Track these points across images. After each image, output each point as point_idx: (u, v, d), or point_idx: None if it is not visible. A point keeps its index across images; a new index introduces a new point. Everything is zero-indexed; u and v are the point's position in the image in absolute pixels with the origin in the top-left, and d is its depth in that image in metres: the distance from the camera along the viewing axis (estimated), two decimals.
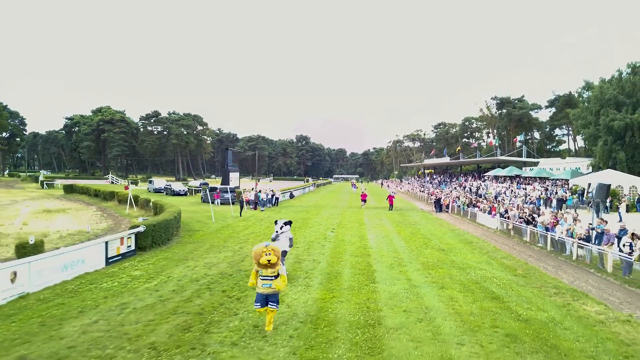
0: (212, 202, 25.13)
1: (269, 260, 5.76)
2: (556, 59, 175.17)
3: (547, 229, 14.26)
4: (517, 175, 35.77)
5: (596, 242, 11.56)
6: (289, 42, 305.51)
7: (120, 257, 10.80)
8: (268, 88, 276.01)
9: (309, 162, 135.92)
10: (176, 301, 7.46)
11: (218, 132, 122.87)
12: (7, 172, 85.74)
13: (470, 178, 45.74)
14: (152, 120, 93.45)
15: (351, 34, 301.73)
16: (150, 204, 21.58)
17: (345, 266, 10.65)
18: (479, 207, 23.14)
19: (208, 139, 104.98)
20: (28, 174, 76.25)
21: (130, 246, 11.36)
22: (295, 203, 33.65)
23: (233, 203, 25.57)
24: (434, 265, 11.02)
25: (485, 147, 64.78)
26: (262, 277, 5.95)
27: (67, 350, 5.33)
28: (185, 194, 37.33)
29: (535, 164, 40.06)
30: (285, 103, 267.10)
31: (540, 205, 24.19)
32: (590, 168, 32.49)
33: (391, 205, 27.93)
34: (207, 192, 27.21)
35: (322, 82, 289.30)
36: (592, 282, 9.84)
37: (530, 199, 26.04)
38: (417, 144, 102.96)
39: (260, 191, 27.84)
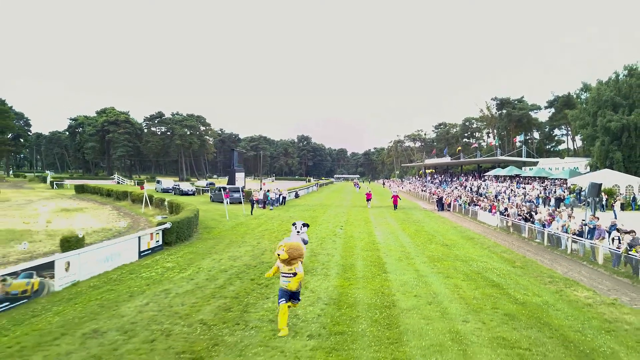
0: (221, 202, 26.07)
1: (278, 254, 5.88)
2: (556, 59, 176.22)
3: (543, 226, 15.19)
4: (516, 175, 36.69)
5: (589, 237, 12.50)
6: (290, 42, 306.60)
7: (150, 251, 11.74)
8: (269, 88, 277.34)
9: (311, 162, 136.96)
10: (212, 288, 8.39)
11: (220, 132, 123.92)
12: (11, 172, 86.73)
13: (471, 178, 46.65)
14: (156, 121, 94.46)
15: (352, 35, 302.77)
16: (165, 202, 22.51)
17: (358, 259, 11.58)
18: (479, 206, 24.07)
19: (210, 139, 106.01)
20: (35, 174, 77.21)
21: (158, 241, 12.30)
22: (301, 202, 34.60)
23: (241, 202, 26.47)
24: (439, 258, 11.94)
25: (485, 147, 65.74)
26: (282, 274, 6.08)
27: (131, 325, 6.27)
28: (193, 194, 38.26)
29: (535, 163, 40.95)
30: (287, 103, 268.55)
31: (539, 203, 25.12)
32: (588, 168, 33.40)
33: (395, 205, 28.33)
34: (217, 191, 28.13)
35: (323, 82, 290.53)
36: (584, 272, 10.77)
37: (529, 197, 26.95)
38: (418, 144, 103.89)
39: (268, 191, 28.79)
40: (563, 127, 59.87)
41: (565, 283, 9.47)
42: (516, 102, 62.12)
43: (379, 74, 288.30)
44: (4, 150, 71.38)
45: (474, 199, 27.62)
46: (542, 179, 32.63)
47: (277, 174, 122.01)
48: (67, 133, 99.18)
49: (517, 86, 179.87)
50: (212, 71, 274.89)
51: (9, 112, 69.87)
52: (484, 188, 35.93)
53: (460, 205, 27.17)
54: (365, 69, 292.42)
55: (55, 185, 47.56)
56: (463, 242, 15.26)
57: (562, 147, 62.67)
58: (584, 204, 16.57)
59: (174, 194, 38.03)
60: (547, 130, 61.88)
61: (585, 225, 12.89)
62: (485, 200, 26.19)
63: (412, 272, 10.14)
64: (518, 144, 51.06)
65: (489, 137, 72.83)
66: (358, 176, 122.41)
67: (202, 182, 50.48)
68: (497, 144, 53.08)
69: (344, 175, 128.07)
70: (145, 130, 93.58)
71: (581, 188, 24.50)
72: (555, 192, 27.02)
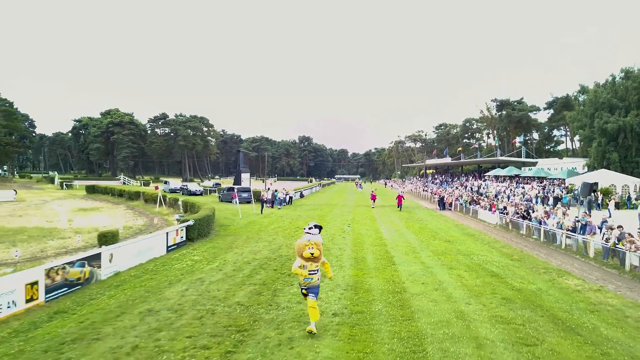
0: (230, 201, 27.06)
1: (312, 254, 5.82)
2: (556, 59, 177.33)
3: (540, 223, 16.16)
4: (516, 175, 37.65)
5: (581, 232, 13.46)
6: (291, 43, 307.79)
7: (175, 246, 12.71)
8: (270, 89, 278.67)
9: (312, 162, 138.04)
10: (240, 277, 9.36)
11: (222, 133, 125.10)
12: (16, 173, 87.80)
13: (471, 178, 47.60)
14: (160, 122, 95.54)
15: (353, 35, 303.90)
16: (179, 202, 23.49)
17: (368, 253, 12.55)
18: (480, 205, 25.04)
19: (213, 140, 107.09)
20: (43, 175, 78.26)
21: (182, 237, 13.28)
22: (307, 202, 35.57)
23: (249, 202, 27.46)
24: (442, 252, 12.91)
25: (485, 147, 66.72)
26: (309, 272, 5.96)
27: (178, 306, 7.24)
28: (201, 194, 39.22)
29: (534, 164, 41.91)
30: (287, 104, 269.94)
31: (537, 202, 26.08)
32: (586, 168, 34.34)
33: (400, 205, 28.49)
34: (226, 192, 29.19)
35: (324, 83, 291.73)
36: (576, 265, 11.74)
37: (527, 196, 27.91)
38: (419, 145, 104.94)
39: (276, 190, 29.78)
40: (562, 127, 60.80)
41: (558, 273, 10.43)
42: (516, 103, 63.10)
43: (379, 74, 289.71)
44: (11, 152, 72.43)
45: (475, 198, 28.59)
46: (541, 179, 33.57)
47: (279, 174, 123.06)
48: (71, 134, 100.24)
49: (517, 86, 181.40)
50: (212, 71, 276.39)
51: (16, 113, 70.97)
52: (484, 188, 36.89)
53: (461, 204, 28.12)
54: (365, 69, 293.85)
55: (65, 186, 48.56)
56: (464, 238, 16.22)
57: (561, 147, 63.58)
58: (579, 203, 17.54)
59: (182, 194, 38.99)
60: (546, 131, 62.80)
61: (578, 221, 13.86)
62: (486, 199, 27.15)
63: (418, 264, 11.10)
64: (517, 145, 52.02)
65: (489, 137, 73.82)
66: (359, 176, 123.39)
67: (209, 183, 51.44)
68: (497, 145, 54.07)
69: (345, 176, 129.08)
70: (149, 132, 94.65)
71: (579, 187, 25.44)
72: (553, 191, 27.97)
